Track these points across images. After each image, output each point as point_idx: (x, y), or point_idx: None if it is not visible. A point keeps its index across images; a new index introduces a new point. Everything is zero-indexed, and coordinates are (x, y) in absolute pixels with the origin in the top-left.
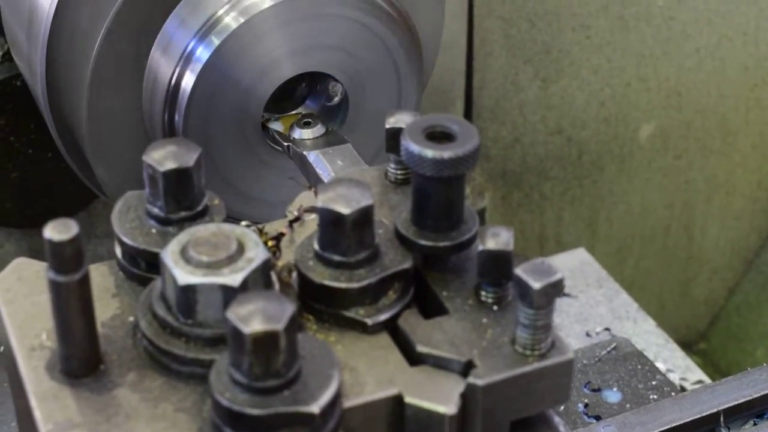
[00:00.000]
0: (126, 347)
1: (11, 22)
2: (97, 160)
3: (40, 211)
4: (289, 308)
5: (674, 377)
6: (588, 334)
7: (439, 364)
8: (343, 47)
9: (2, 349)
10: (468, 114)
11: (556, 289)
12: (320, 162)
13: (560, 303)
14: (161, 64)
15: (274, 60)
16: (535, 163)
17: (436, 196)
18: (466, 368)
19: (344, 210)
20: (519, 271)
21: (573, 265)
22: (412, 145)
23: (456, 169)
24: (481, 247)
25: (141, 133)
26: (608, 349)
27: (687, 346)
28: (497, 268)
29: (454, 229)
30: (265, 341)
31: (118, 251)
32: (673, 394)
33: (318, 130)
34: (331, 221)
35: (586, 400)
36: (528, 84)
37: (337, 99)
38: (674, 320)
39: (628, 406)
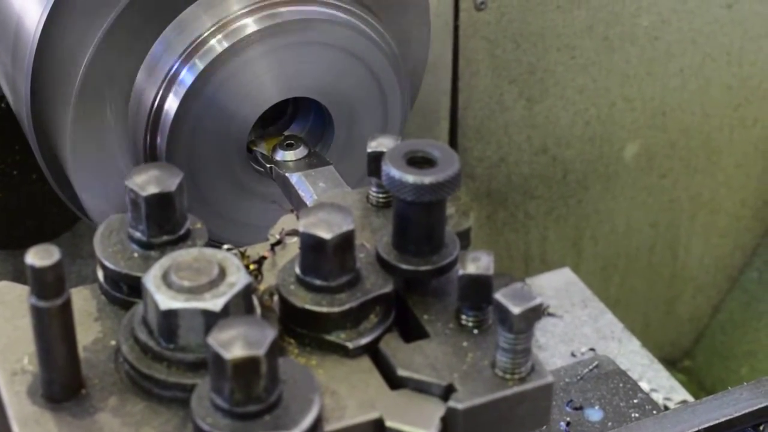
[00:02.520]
0: (108, 371)
1: None
2: (81, 183)
3: (24, 233)
4: (270, 333)
5: (658, 397)
6: (573, 354)
7: (420, 387)
8: (328, 72)
9: None
10: (453, 134)
11: (535, 314)
12: (302, 184)
13: (545, 323)
14: (145, 86)
15: (259, 85)
16: (520, 182)
17: (417, 221)
18: (447, 392)
19: (325, 235)
20: (499, 295)
21: (558, 284)
22: (392, 171)
23: (437, 194)
24: (461, 272)
25: (126, 157)
26: (590, 367)
27: (672, 363)
28: (477, 293)
29: (435, 253)
30: (246, 367)
31: (100, 275)
32: (654, 412)
33: (300, 152)
34: (312, 246)
35: (568, 419)
36: (513, 104)
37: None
38: (659, 338)
39: (609, 424)
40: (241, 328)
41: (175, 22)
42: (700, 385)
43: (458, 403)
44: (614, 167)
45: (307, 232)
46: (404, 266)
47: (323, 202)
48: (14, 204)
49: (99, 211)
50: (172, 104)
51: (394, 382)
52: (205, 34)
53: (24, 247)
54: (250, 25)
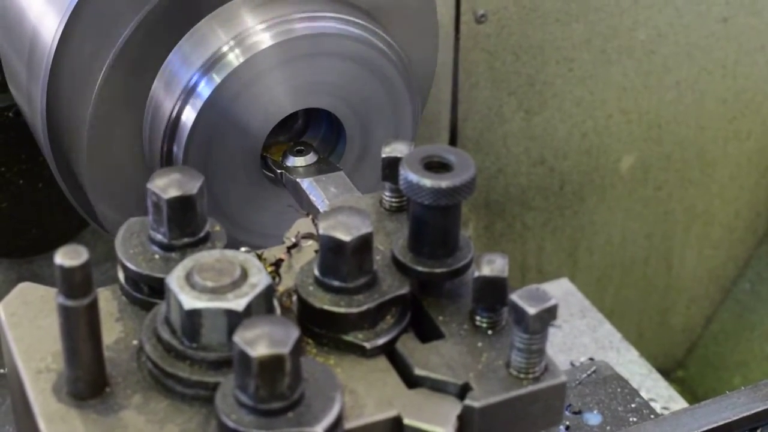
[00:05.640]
0: (131, 370)
1: (10, 54)
2: (96, 194)
3: (29, 241)
4: (294, 332)
5: (657, 406)
6: (572, 364)
7: (437, 386)
8: (340, 84)
9: (3, 371)
10: (452, 144)
11: (550, 315)
12: (314, 189)
13: None
14: (163, 97)
15: (274, 97)
16: (517, 193)
17: (433, 224)
18: (463, 391)
19: (345, 237)
20: (515, 296)
21: (556, 295)
22: (410, 175)
23: (453, 198)
24: (476, 274)
25: (141, 167)
26: (588, 372)
27: (665, 373)
28: (492, 294)
29: (449, 256)
30: (272, 364)
31: (121, 276)
32: (652, 416)
33: (310, 157)
34: (331, 248)
35: (567, 423)
36: (512, 115)
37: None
38: (653, 348)
39: (608, 428)
40: (265, 327)
41: (189, 35)
42: (692, 396)
43: (474, 402)
44: (610, 179)
45: (326, 234)
46: (420, 268)
47: (341, 206)
48: (19, 213)
49: (114, 221)
50: (189, 115)
51: (411, 382)
52: (224, 49)
53: (28, 256)
54: (266, 40)
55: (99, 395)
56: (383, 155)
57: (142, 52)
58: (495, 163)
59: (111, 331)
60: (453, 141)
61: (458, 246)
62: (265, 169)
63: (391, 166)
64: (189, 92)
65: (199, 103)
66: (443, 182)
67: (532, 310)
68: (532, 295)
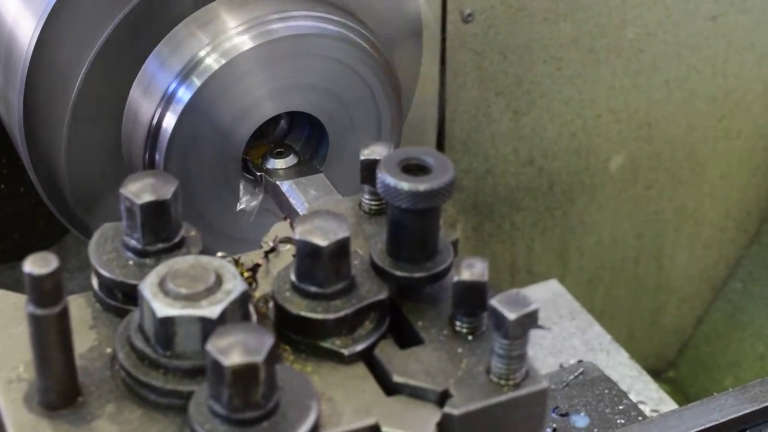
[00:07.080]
0: (104, 379)
1: None
2: (76, 200)
3: (11, 246)
4: (268, 340)
5: (646, 409)
6: (562, 366)
7: (416, 393)
8: (322, 86)
9: None
10: (440, 145)
11: (531, 320)
12: (293, 192)
13: (533, 335)
14: (142, 104)
15: (254, 100)
16: (506, 193)
17: (412, 228)
18: (442, 398)
19: (321, 242)
20: (494, 302)
21: (546, 296)
22: (388, 178)
23: (431, 201)
24: (456, 278)
25: (121, 172)
26: (576, 373)
27: (656, 374)
28: (472, 299)
29: (429, 260)
30: (245, 373)
31: (95, 283)
32: (640, 418)
33: (290, 160)
34: (308, 253)
35: (554, 425)
36: (500, 116)
37: None
38: (644, 349)
39: (595, 430)
40: (239, 335)
41: (168, 38)
42: (684, 396)
43: (454, 409)
44: (600, 179)
45: (302, 239)
46: (399, 273)
47: (318, 210)
48: (1, 218)
49: (94, 227)
50: (170, 121)
51: (390, 389)
52: (202, 53)
53: (10, 261)
54: (246, 42)
55: (71, 405)
56: (361, 157)
57: (120, 56)
58: (483, 164)
59: (85, 339)
60: (440, 142)
61: (438, 250)
62: (246, 171)
63: (370, 169)
64: (169, 97)
65: (180, 108)
66: (421, 185)
67: (512, 316)
68: (512, 300)
